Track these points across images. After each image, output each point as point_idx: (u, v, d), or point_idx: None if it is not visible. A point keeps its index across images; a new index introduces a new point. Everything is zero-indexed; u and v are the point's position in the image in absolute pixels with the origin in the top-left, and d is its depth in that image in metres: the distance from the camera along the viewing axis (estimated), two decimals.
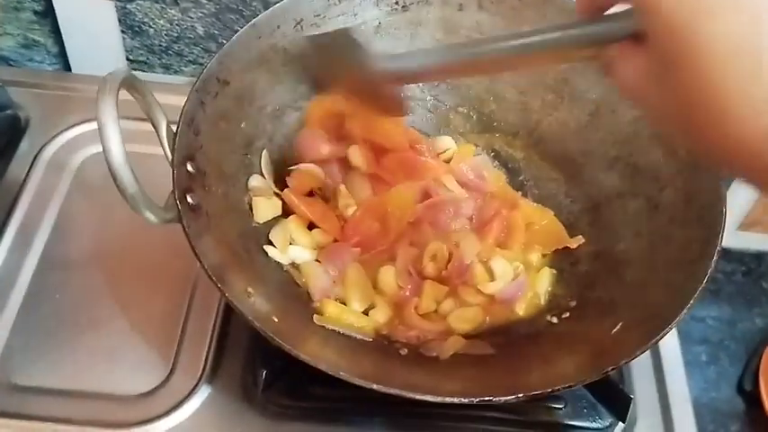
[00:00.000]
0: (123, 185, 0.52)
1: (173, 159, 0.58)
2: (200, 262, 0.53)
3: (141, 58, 0.91)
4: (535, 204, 0.72)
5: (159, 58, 0.91)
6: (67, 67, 0.92)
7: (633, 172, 0.68)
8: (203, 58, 0.90)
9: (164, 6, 0.84)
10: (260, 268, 0.63)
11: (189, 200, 0.57)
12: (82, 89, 0.86)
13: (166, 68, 0.92)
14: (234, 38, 0.66)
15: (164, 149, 0.59)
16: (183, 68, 0.91)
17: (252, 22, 0.67)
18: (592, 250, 0.68)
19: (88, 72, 0.91)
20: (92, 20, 0.86)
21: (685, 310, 0.54)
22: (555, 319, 0.64)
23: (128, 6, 0.85)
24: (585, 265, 0.68)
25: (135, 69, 0.92)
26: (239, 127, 0.67)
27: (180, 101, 0.60)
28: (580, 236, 0.69)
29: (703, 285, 0.55)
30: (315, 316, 0.62)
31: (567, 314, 0.64)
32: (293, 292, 0.63)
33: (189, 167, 0.59)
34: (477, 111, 0.78)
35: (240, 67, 0.66)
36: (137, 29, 0.87)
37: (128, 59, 0.91)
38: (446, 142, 0.76)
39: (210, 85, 0.64)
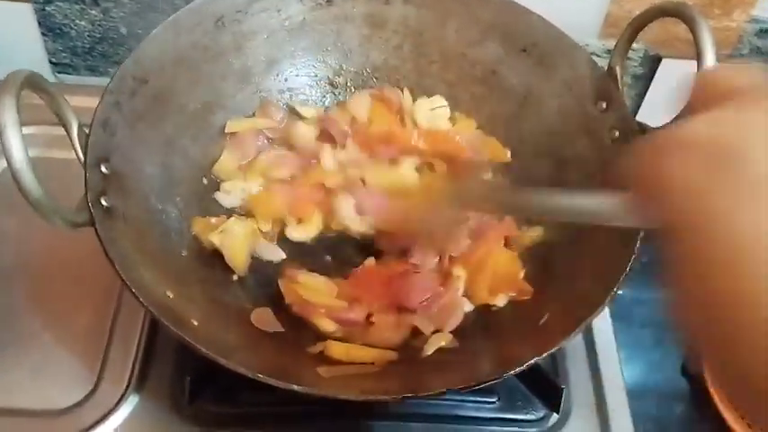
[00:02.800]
0: (26, 190, 0.49)
1: (85, 161, 0.56)
2: (114, 266, 0.51)
3: (65, 61, 0.88)
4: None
5: (84, 60, 0.88)
6: None
7: (561, 161, 0.68)
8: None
9: (83, 7, 0.82)
10: (182, 270, 0.61)
11: (103, 203, 0.55)
12: None
13: (92, 70, 0.89)
14: (151, 35, 0.64)
15: (75, 152, 0.57)
16: (109, 70, 0.89)
17: (170, 18, 0.65)
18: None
19: None
20: (10, 23, 0.83)
21: (610, 295, 0.53)
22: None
23: (46, 8, 0.82)
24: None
25: (60, 72, 0.89)
26: (159, 127, 0.65)
27: None
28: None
29: (628, 269, 0.55)
30: (320, 369, 0.57)
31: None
32: (216, 294, 0.61)
33: (103, 169, 0.57)
34: None
35: (158, 66, 0.64)
36: (57, 31, 0.84)
37: (51, 62, 0.88)
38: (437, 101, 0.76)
39: (126, 85, 0.62)
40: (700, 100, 0.32)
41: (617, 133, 0.64)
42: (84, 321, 0.68)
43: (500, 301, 0.64)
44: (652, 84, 0.88)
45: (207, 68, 0.69)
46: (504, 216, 0.66)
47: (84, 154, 0.56)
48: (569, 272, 0.61)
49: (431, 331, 0.61)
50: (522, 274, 0.65)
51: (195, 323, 0.54)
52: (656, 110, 0.87)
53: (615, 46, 0.65)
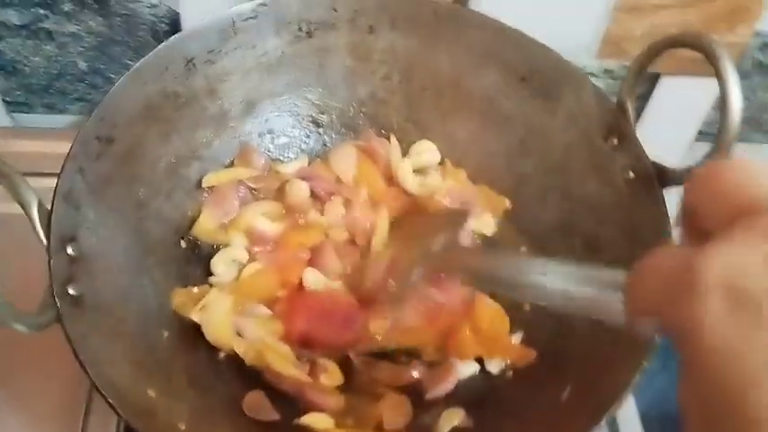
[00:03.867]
0: None
1: (48, 245, 0.50)
2: (86, 371, 0.46)
3: (20, 99, 0.81)
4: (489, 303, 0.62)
5: (40, 98, 0.81)
6: None
7: (570, 205, 0.63)
8: (90, 94, 0.80)
9: (37, 42, 0.74)
10: (164, 357, 0.55)
11: (71, 292, 0.49)
12: None
13: (50, 108, 0.82)
14: (114, 88, 0.57)
15: (37, 234, 0.50)
16: (68, 107, 0.82)
17: (134, 67, 0.58)
18: None
19: None
20: None
21: (637, 375, 0.49)
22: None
23: None
24: (529, 311, 0.62)
25: (14, 112, 0.82)
26: (130, 190, 0.59)
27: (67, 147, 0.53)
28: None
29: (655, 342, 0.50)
30: None
31: (511, 373, 0.59)
32: (204, 381, 0.56)
33: (70, 251, 0.51)
34: (398, 141, 0.71)
35: (125, 120, 0.58)
36: (10, 69, 0.77)
37: (4, 101, 0.81)
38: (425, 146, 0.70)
39: (90, 147, 0.55)
40: (710, 210, 0.27)
41: (631, 174, 0.59)
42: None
43: (494, 366, 0.60)
44: (649, 103, 0.83)
45: (179, 117, 0.62)
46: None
47: (47, 236, 0.50)
48: (591, 332, 0.57)
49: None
50: (516, 337, 0.61)
51: (182, 427, 0.49)
52: (653, 130, 0.82)
53: (625, 78, 0.60)
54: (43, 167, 0.56)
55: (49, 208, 0.51)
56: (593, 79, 0.78)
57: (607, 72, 0.80)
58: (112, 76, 0.78)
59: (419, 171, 0.67)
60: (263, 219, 0.63)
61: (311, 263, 0.62)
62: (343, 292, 0.60)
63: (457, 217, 0.63)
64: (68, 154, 0.53)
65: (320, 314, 0.58)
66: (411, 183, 0.66)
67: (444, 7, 0.66)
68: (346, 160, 0.66)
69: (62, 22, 0.72)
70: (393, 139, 0.68)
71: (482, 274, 0.51)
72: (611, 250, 0.59)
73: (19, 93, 0.80)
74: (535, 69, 0.65)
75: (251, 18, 0.64)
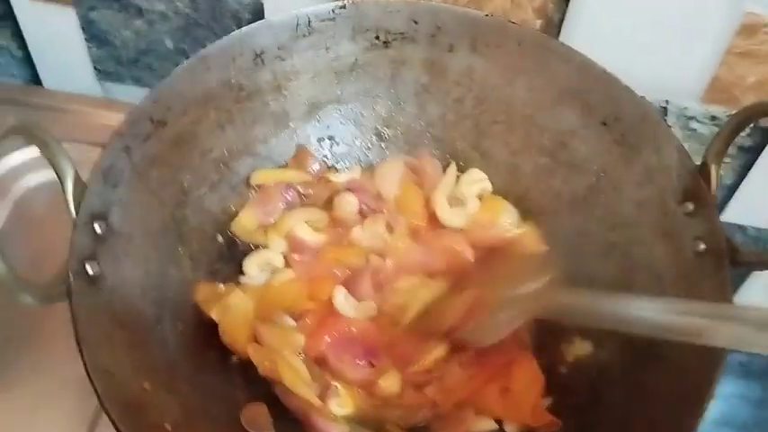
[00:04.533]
0: None
1: (75, 217, 0.49)
2: (80, 349, 0.45)
3: (110, 69, 0.83)
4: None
5: (129, 70, 0.82)
6: (35, 74, 0.85)
7: (631, 266, 0.58)
8: None
9: (127, 17, 0.75)
10: (172, 349, 0.54)
11: (88, 270, 0.49)
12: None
13: (137, 81, 0.83)
14: (176, 71, 0.57)
15: (68, 207, 0.50)
16: (154, 81, 0.82)
17: (200, 53, 0.58)
18: (575, 355, 0.58)
19: (57, 82, 0.83)
20: (55, 28, 0.78)
21: None
22: None
23: (90, 15, 0.76)
24: (565, 373, 0.57)
25: (105, 80, 0.84)
26: (175, 176, 0.58)
27: None
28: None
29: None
30: None
31: None
32: (208, 381, 0.54)
33: (97, 228, 0.50)
34: (458, 167, 0.67)
35: (182, 106, 0.57)
36: (102, 39, 0.79)
37: (96, 69, 0.83)
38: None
39: (141, 128, 0.55)
40: None
41: (702, 246, 0.53)
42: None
43: (512, 428, 0.55)
44: (758, 161, 0.75)
45: (238, 109, 0.61)
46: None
47: (77, 209, 0.50)
48: (626, 406, 0.51)
49: None
50: (544, 402, 0.56)
51: (168, 428, 0.47)
52: (759, 196, 0.74)
53: (712, 141, 0.54)
54: None
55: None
56: (695, 124, 0.73)
57: (713, 118, 0.73)
58: None
59: (462, 200, 0.64)
60: (305, 227, 0.61)
61: (346, 284, 0.59)
62: (376, 327, 0.57)
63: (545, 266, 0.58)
64: (116, 131, 0.53)
65: (345, 342, 0.56)
66: (443, 214, 0.62)
67: (530, 36, 0.61)
68: (391, 176, 0.63)
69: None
70: (453, 167, 0.65)
71: (580, 311, 0.50)
72: None
73: (109, 63, 0.82)
74: (619, 115, 0.59)
75: (328, 20, 0.62)
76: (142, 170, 0.55)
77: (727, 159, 0.60)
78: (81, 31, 0.78)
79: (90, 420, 0.62)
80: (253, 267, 0.60)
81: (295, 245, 0.61)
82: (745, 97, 0.69)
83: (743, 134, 0.73)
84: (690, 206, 0.54)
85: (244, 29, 0.59)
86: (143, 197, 0.55)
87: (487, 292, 0.54)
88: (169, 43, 0.78)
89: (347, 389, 0.56)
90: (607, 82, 0.59)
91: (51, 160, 0.50)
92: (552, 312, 0.51)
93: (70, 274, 0.47)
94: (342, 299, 0.57)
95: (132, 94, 0.84)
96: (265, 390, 0.55)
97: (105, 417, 0.51)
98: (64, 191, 0.50)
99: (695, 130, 0.73)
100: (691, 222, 0.54)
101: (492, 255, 0.60)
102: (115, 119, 0.77)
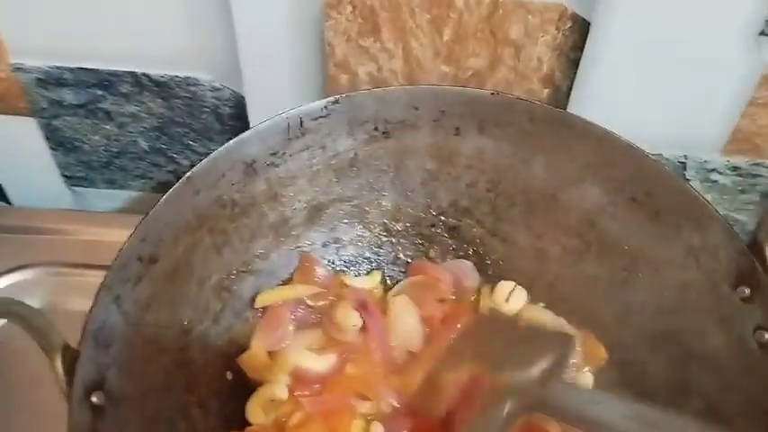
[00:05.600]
0: None
1: (70, 396, 0.43)
2: None
3: (79, 174, 0.76)
4: None
5: (100, 174, 0.76)
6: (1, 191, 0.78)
7: (685, 358, 0.53)
8: (152, 172, 0.75)
9: (95, 121, 0.69)
10: None
11: None
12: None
13: (110, 183, 0.77)
14: (161, 201, 0.50)
15: (59, 384, 0.44)
16: (129, 183, 0.77)
17: (186, 175, 0.52)
18: None
19: (25, 196, 0.77)
20: (15, 140, 0.71)
21: None
22: None
23: (53, 123, 0.70)
24: None
25: (74, 186, 0.77)
26: (174, 315, 0.52)
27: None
28: None
29: None
30: None
31: None
32: None
33: (94, 400, 0.44)
34: (478, 256, 0.62)
35: (172, 236, 0.51)
36: (69, 145, 0.72)
37: (64, 176, 0.76)
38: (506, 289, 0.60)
39: (129, 271, 0.48)
40: None
41: (766, 336, 0.48)
42: None
43: None
44: None
45: (234, 227, 0.55)
46: None
47: (69, 385, 0.43)
48: None
49: None
50: None
51: None
52: None
53: (764, 217, 0.49)
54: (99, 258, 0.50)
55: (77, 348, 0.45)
56: (717, 176, 0.69)
57: (734, 169, 0.68)
58: (175, 155, 0.72)
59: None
60: (308, 354, 0.55)
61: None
62: None
63: (563, 341, 0.50)
64: (103, 283, 0.47)
65: None
66: None
67: (542, 112, 0.56)
68: (409, 331, 0.57)
69: (121, 102, 0.67)
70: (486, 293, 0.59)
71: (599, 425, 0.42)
72: (737, 424, 0.49)
73: (78, 168, 0.75)
74: (650, 190, 0.54)
75: (321, 117, 0.56)
76: (136, 319, 0.49)
77: None
78: (45, 140, 0.71)
79: None
80: (257, 411, 0.53)
81: (299, 376, 0.54)
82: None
83: None
84: (745, 291, 0.50)
85: (231, 142, 0.53)
86: (141, 349, 0.49)
87: (484, 371, 0.47)
88: (143, 144, 0.71)
89: None
90: (632, 155, 0.54)
91: (35, 336, 0.44)
92: (553, 411, 0.45)
93: None
94: None
95: (106, 198, 0.78)
96: None
97: None
98: (53, 367, 0.44)
99: (716, 181, 0.69)
100: (749, 309, 0.49)
101: (491, 320, 0.55)
102: (92, 234, 0.73)
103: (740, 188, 0.71)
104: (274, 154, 0.56)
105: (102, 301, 0.46)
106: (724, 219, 0.51)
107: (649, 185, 0.54)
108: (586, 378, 0.55)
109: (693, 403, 0.51)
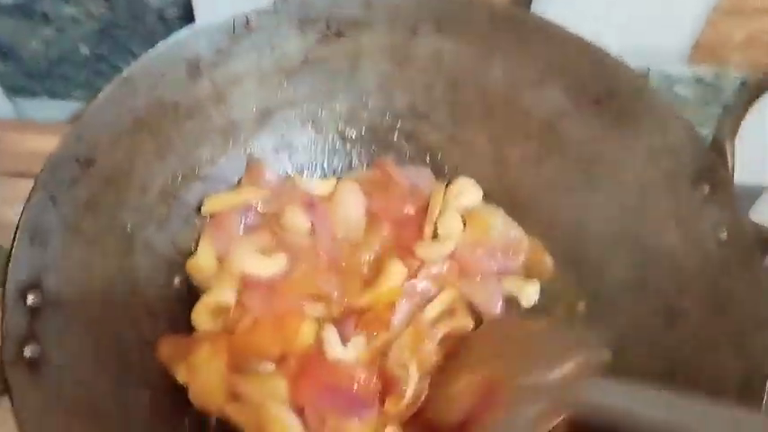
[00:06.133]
0: None
1: (2, 295, 0.41)
2: None
3: (20, 84, 0.72)
4: None
5: (41, 83, 0.72)
6: None
7: (644, 258, 0.52)
8: (95, 80, 0.71)
9: (32, 25, 0.65)
10: (141, 425, 0.46)
11: (27, 354, 0.41)
12: None
13: (52, 95, 0.73)
14: (97, 99, 0.48)
15: None
16: (71, 93, 0.73)
17: (122, 75, 0.49)
18: None
19: None
20: None
21: None
22: None
23: None
24: None
25: (15, 97, 0.73)
26: (115, 220, 0.49)
27: None
28: None
29: None
30: None
31: None
32: None
33: (30, 301, 0.42)
34: (436, 161, 0.60)
35: (110, 138, 0.48)
36: (5, 51, 0.68)
37: (3, 86, 0.72)
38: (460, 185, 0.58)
39: (65, 172, 0.46)
40: None
41: (724, 234, 0.47)
42: None
43: None
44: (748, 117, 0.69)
45: (178, 131, 0.53)
46: None
47: (2, 284, 0.41)
48: None
49: None
50: None
51: None
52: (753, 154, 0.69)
53: (724, 114, 0.48)
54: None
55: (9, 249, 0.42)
56: (680, 88, 0.67)
57: (698, 81, 0.67)
58: (119, 64, 0.69)
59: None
60: (256, 257, 0.53)
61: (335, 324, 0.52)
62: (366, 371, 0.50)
63: (586, 345, 0.45)
64: (36, 181, 0.44)
65: (330, 391, 0.49)
66: (425, 254, 0.55)
67: (502, 11, 0.54)
68: (352, 219, 0.55)
69: (59, 3, 0.63)
70: (440, 190, 0.57)
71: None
72: (691, 324, 0.48)
73: (18, 77, 0.71)
74: (611, 91, 0.53)
75: (269, 13, 0.53)
76: (74, 221, 0.46)
77: None
78: None
79: None
80: (204, 317, 0.52)
81: (248, 281, 0.52)
82: (733, 56, 0.64)
83: (727, 94, 0.69)
84: (705, 189, 0.49)
85: (171, 38, 0.50)
86: (81, 253, 0.46)
87: (502, 376, 0.45)
88: (84, 49, 0.67)
89: None
90: (593, 55, 0.53)
91: None
92: (589, 410, 0.41)
93: (6, 367, 0.39)
94: (331, 339, 0.50)
95: (48, 111, 0.74)
96: None
97: None
98: None
99: (679, 94, 0.67)
100: (708, 208, 0.48)
101: (504, 323, 0.53)
102: (33, 143, 0.69)
103: (704, 100, 0.69)
104: (220, 52, 0.53)
105: (37, 199, 0.44)
106: (684, 118, 0.50)
107: (611, 86, 0.53)
108: (533, 285, 0.55)
109: (651, 302, 0.50)
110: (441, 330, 0.52)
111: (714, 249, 0.48)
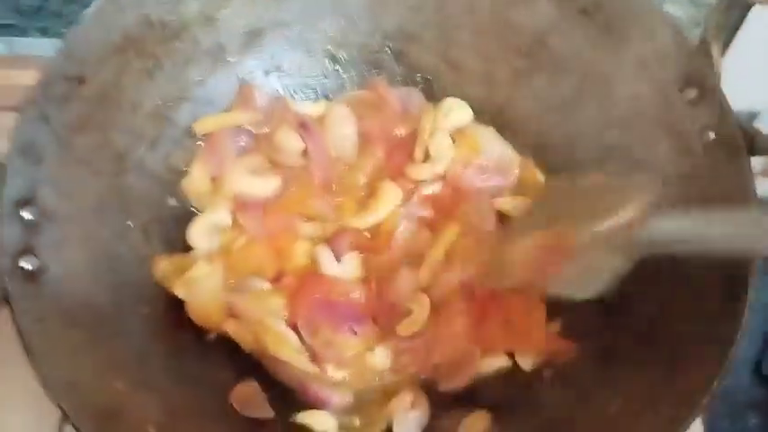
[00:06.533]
0: None
1: None
2: (35, 369, 0.38)
3: (10, 21, 0.72)
4: None
5: (31, 21, 0.72)
6: None
7: (631, 168, 0.52)
8: None
9: None
10: (140, 338, 0.47)
11: (24, 266, 0.41)
12: None
13: (43, 32, 0.73)
14: (83, 15, 0.48)
15: None
16: (63, 30, 0.72)
17: None
18: None
19: None
20: None
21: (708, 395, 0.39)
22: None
23: None
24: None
25: (5, 35, 0.73)
26: (106, 139, 0.50)
27: None
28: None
29: (729, 356, 0.41)
30: None
31: (549, 372, 0.50)
32: (186, 367, 0.48)
33: (25, 215, 0.43)
34: (426, 83, 0.60)
35: (99, 57, 0.49)
36: None
37: None
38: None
39: (56, 89, 0.46)
40: None
41: (711, 135, 0.48)
42: None
43: (526, 362, 0.50)
44: (736, 38, 0.69)
45: (165, 51, 0.53)
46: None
47: None
48: (645, 330, 0.47)
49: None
50: (552, 326, 0.51)
51: (152, 431, 0.41)
52: (740, 74, 0.69)
53: (710, 15, 0.48)
54: None
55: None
56: (671, 6, 0.67)
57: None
58: None
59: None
60: (250, 178, 0.53)
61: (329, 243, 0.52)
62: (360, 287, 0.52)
63: (641, 188, 0.45)
64: (28, 97, 0.45)
65: (325, 306, 0.50)
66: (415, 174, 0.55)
67: None
68: (342, 130, 0.55)
69: None
70: (430, 110, 0.57)
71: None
72: None
73: (7, 14, 0.71)
74: (599, 1, 0.52)
75: None
76: (67, 138, 0.47)
77: None
78: None
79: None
80: (199, 236, 0.52)
81: (241, 201, 0.53)
82: None
83: None
84: (693, 93, 0.49)
85: None
86: (74, 170, 0.47)
87: (572, 228, 0.44)
88: None
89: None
90: None
91: None
92: (662, 245, 0.41)
93: (5, 277, 0.40)
94: (325, 257, 0.51)
95: (40, 49, 0.74)
96: (253, 366, 0.49)
97: None
98: None
99: (663, 11, 0.67)
100: (696, 111, 0.49)
101: (557, 187, 0.53)
102: (24, 77, 0.69)
103: (694, 21, 0.69)
104: None
105: (29, 115, 0.45)
106: (673, 21, 0.50)
107: None
108: (525, 204, 0.55)
109: None
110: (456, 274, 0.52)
111: (701, 152, 0.48)
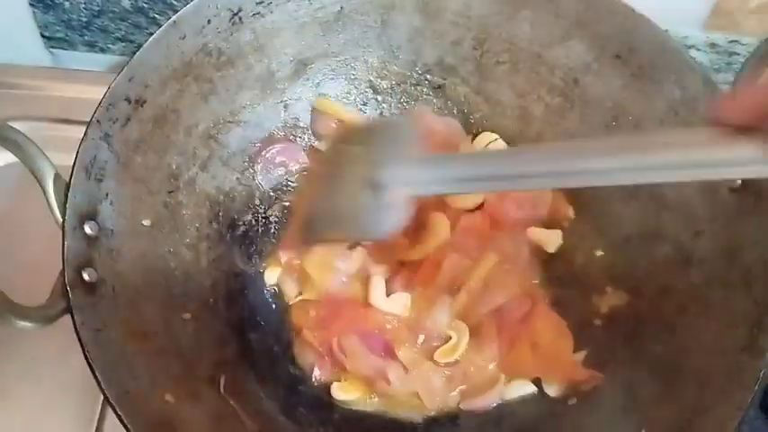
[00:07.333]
0: None
1: (63, 222, 0.44)
2: (98, 380, 0.41)
3: (59, 35, 0.75)
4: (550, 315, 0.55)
5: (80, 35, 0.74)
6: None
7: (659, 207, 0.55)
8: (134, 34, 0.73)
9: None
10: (190, 348, 0.50)
11: (86, 277, 0.44)
12: None
13: (90, 46, 0.76)
14: (148, 42, 0.50)
15: (52, 212, 0.45)
16: (109, 46, 0.75)
17: (172, 19, 0.51)
18: (609, 306, 0.55)
19: (3, 54, 0.75)
20: None
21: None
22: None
23: None
24: (601, 326, 0.55)
25: (54, 48, 0.76)
26: (162, 159, 0.52)
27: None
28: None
29: (755, 389, 0.43)
30: None
31: (575, 400, 0.52)
32: (236, 387, 0.50)
33: (87, 230, 0.45)
34: (462, 115, 0.63)
35: (159, 81, 0.51)
36: (48, 2, 0.71)
37: (43, 36, 0.75)
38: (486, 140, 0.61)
39: (118, 110, 0.49)
40: None
41: (738, 181, 0.50)
42: None
43: (553, 389, 0.53)
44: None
45: (220, 77, 0.55)
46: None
47: (63, 212, 0.44)
48: (671, 361, 0.49)
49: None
50: (578, 356, 0.53)
51: None
52: None
53: (743, 67, 0.50)
54: (81, 114, 0.51)
55: (68, 180, 0.45)
56: (695, 53, 0.69)
57: (713, 46, 0.69)
58: (157, 16, 0.71)
59: None
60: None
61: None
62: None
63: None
64: (92, 118, 0.47)
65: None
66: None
67: None
68: None
69: None
70: (467, 141, 0.60)
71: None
72: (704, 267, 0.51)
73: (58, 28, 0.74)
74: (633, 47, 0.55)
75: None
76: (126, 158, 0.49)
77: None
78: None
79: (96, 420, 0.58)
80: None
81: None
82: (747, 22, 0.65)
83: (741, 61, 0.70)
84: None
85: None
86: (131, 187, 0.50)
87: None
88: (126, 2, 0.70)
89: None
90: (618, 11, 0.55)
91: (27, 162, 0.44)
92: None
93: (68, 288, 0.42)
94: (378, 290, 0.54)
95: (86, 63, 0.76)
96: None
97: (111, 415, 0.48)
98: (45, 194, 0.45)
99: (695, 59, 0.69)
100: None
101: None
102: (72, 90, 0.72)
103: (716, 67, 0.71)
104: (260, 3, 0.55)
105: (92, 135, 0.47)
106: (704, 71, 0.52)
107: (633, 41, 0.55)
108: (556, 234, 0.57)
109: (665, 249, 0.53)
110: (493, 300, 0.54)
111: (727, 196, 0.50)
